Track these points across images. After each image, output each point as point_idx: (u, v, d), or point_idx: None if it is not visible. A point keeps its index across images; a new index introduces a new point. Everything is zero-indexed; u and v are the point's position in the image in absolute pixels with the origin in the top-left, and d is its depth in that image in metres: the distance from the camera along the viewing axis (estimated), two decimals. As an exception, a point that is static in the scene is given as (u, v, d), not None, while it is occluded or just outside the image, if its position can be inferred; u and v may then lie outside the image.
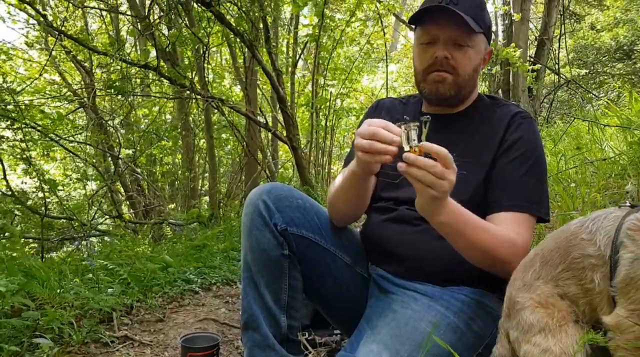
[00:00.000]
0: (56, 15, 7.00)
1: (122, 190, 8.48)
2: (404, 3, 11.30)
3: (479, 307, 1.44)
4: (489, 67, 7.94)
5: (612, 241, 1.04)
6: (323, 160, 6.51)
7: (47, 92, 8.02)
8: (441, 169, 1.16)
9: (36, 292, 2.18)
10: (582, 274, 1.09)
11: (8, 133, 5.42)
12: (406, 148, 1.19)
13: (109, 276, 2.75)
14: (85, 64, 7.44)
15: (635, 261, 0.99)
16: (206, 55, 5.89)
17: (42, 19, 5.23)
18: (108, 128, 7.74)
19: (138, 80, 6.03)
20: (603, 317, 1.04)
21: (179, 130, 7.89)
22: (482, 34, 1.51)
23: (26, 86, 6.47)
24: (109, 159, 7.63)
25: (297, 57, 7.02)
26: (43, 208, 4.83)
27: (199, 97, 5.76)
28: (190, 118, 8.33)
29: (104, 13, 7.24)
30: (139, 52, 6.45)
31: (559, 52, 8.90)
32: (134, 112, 8.13)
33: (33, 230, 6.36)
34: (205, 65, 6.24)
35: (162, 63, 4.96)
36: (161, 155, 8.97)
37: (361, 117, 1.92)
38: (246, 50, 5.57)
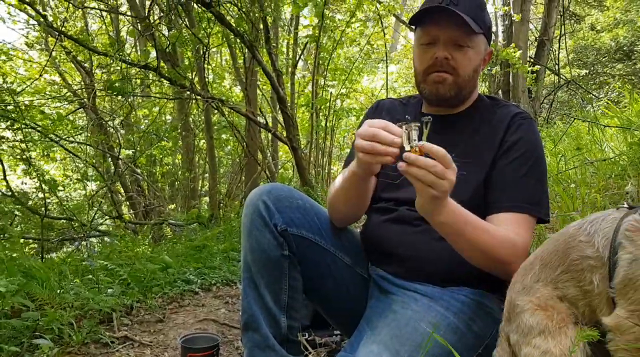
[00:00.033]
0: (56, 16, 7.00)
1: (122, 190, 8.48)
2: (404, 4, 11.32)
3: (479, 307, 1.44)
4: (489, 68, 7.94)
5: (610, 243, 1.04)
6: (323, 160, 6.51)
7: (47, 92, 8.02)
8: (441, 168, 1.16)
9: (36, 292, 2.18)
10: (581, 276, 1.09)
11: (8, 133, 5.43)
12: (407, 148, 1.19)
13: (108, 276, 2.76)
14: (86, 65, 7.44)
15: (633, 261, 0.99)
16: (206, 55, 5.88)
17: (42, 19, 5.23)
18: (108, 128, 7.75)
19: (138, 81, 6.02)
20: (603, 318, 1.04)
21: (179, 130, 7.90)
22: (482, 34, 1.51)
23: (26, 87, 6.48)
24: (109, 159, 7.63)
25: (297, 58, 7.02)
26: (43, 208, 4.84)
27: (199, 97, 5.76)
28: (190, 118, 8.33)
29: (104, 14, 7.24)
30: (139, 53, 6.46)
31: (559, 52, 8.91)
32: (134, 112, 8.13)
33: (33, 230, 6.36)
34: (206, 65, 6.24)
35: (162, 64, 4.96)
36: (161, 156, 8.97)
37: (361, 117, 1.92)
38: (246, 50, 5.57)
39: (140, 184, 8.51)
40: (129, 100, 6.63)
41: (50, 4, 7.83)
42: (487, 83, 8.81)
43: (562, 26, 8.59)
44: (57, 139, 5.59)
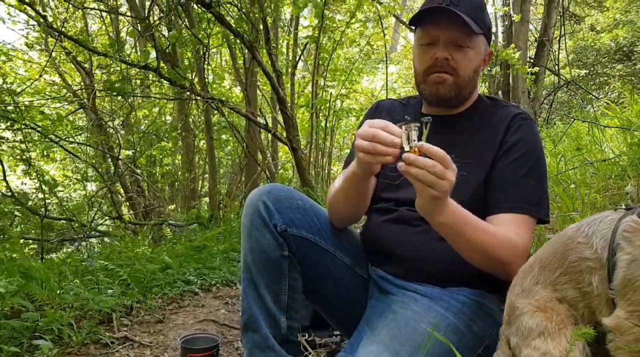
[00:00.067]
0: (56, 16, 6.99)
1: (122, 191, 8.48)
2: (404, 4, 11.32)
3: (479, 308, 1.44)
4: (489, 68, 7.94)
5: (608, 244, 1.04)
6: (323, 161, 6.51)
7: (47, 93, 8.02)
8: (441, 168, 1.17)
9: (36, 293, 2.18)
10: (580, 278, 1.09)
11: (8, 134, 5.43)
12: (406, 148, 1.19)
13: (108, 276, 2.75)
14: (85, 65, 7.44)
15: (632, 262, 1.00)
16: (206, 56, 5.89)
17: (42, 20, 5.23)
18: (108, 129, 7.75)
19: (138, 81, 6.03)
20: (603, 319, 1.04)
21: (179, 131, 7.89)
22: (482, 35, 1.51)
23: (26, 87, 6.47)
24: (109, 160, 7.63)
25: (297, 58, 7.01)
26: (43, 209, 4.84)
27: (199, 98, 5.76)
28: (190, 119, 8.33)
29: (104, 14, 7.24)
30: (138, 53, 6.46)
31: (558, 53, 8.91)
32: (134, 113, 8.12)
33: (33, 231, 6.36)
34: (205, 66, 6.24)
35: (162, 64, 4.96)
36: (161, 156, 8.97)
37: (361, 118, 1.93)
38: (246, 51, 5.57)
39: (140, 184, 8.51)
40: (129, 100, 6.63)
41: (50, 4, 7.82)
42: (487, 83, 8.81)
43: (562, 27, 8.59)
44: (57, 139, 5.59)
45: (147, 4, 6.38)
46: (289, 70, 6.80)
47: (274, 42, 6.34)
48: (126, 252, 3.59)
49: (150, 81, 6.38)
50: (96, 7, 6.76)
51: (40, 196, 5.48)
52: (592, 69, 12.03)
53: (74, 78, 8.94)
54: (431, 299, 1.43)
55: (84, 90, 7.92)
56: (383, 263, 1.58)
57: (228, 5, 5.12)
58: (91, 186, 6.65)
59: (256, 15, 5.08)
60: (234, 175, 8.66)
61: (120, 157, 6.59)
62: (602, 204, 2.63)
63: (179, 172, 9.11)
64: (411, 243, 1.50)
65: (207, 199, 9.01)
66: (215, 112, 6.76)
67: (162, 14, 6.14)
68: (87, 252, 4.33)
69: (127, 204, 8.63)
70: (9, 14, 7.35)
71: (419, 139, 1.19)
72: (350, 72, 7.12)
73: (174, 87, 5.87)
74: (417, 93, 1.63)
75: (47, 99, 7.27)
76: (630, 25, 11.44)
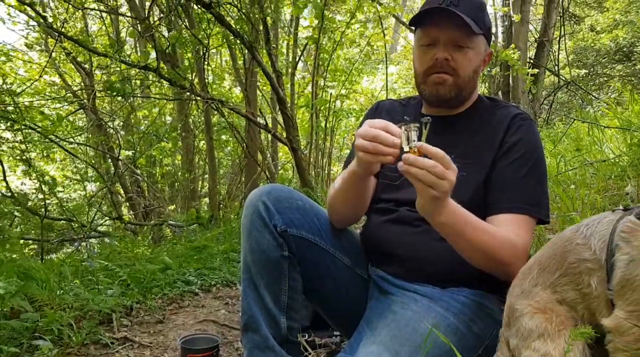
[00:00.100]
0: (56, 17, 6.99)
1: (122, 191, 8.48)
2: (404, 4, 11.32)
3: (479, 308, 1.44)
4: (489, 69, 7.94)
5: (607, 245, 1.04)
6: (323, 161, 6.50)
7: (47, 93, 8.02)
8: (441, 169, 1.17)
9: (36, 293, 2.18)
10: (579, 279, 1.09)
11: (8, 134, 5.42)
12: (406, 149, 1.19)
13: (108, 277, 2.75)
14: (85, 66, 7.44)
15: (630, 262, 1.00)
16: (206, 56, 5.88)
17: (42, 20, 5.23)
18: (108, 129, 7.75)
19: (138, 82, 6.03)
20: (602, 319, 1.04)
21: (179, 131, 7.89)
22: (482, 35, 1.51)
23: (26, 88, 6.46)
24: (109, 160, 7.63)
25: (297, 59, 7.01)
26: (43, 209, 4.83)
27: (198, 98, 5.75)
28: (190, 119, 8.33)
29: (104, 14, 7.24)
30: (138, 54, 6.47)
31: (558, 53, 8.91)
32: (133, 113, 8.13)
33: (33, 231, 6.35)
34: (205, 66, 6.24)
35: (162, 64, 4.96)
36: (161, 157, 8.97)
37: (361, 118, 1.93)
38: (246, 51, 5.57)
39: (140, 185, 8.51)
40: (129, 101, 6.63)
41: (50, 4, 7.83)
42: (486, 84, 8.81)
43: (562, 27, 8.59)
44: (57, 139, 5.58)
45: (147, 4, 6.38)
46: (289, 70, 6.80)
47: (274, 42, 6.34)
48: (126, 252, 3.59)
49: (150, 82, 6.38)
50: (96, 8, 6.75)
51: (40, 196, 5.49)
52: (592, 69, 12.03)
53: (74, 78, 8.94)
54: (431, 300, 1.43)
55: (83, 90, 7.92)
56: (383, 263, 1.58)
57: (228, 5, 5.12)
58: (91, 187, 6.65)
59: (256, 16, 5.07)
60: (234, 176, 8.65)
61: (120, 157, 6.58)
62: (602, 205, 2.62)
63: (179, 173, 9.11)
64: (411, 243, 1.50)
65: (207, 200, 9.01)
66: (215, 112, 6.75)
67: (162, 15, 6.14)
68: (87, 253, 4.32)
69: (127, 204, 8.63)
70: (9, 14, 7.35)
71: (419, 140, 1.19)
72: (350, 73, 7.12)
73: (173, 88, 5.86)
74: (417, 93, 1.63)
75: (47, 100, 7.26)
76: (630, 26, 11.44)
